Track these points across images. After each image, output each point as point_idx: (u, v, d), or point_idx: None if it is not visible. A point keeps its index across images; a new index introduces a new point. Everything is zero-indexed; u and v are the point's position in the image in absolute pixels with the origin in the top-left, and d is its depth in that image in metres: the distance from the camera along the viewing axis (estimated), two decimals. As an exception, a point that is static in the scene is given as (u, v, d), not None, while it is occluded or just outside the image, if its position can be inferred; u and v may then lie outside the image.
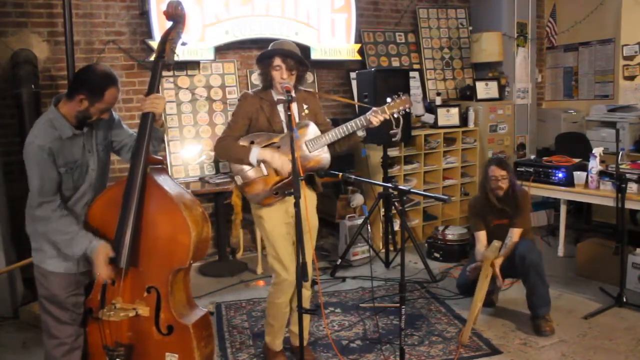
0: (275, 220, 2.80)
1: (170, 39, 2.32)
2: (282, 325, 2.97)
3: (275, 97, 2.77)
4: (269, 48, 2.76)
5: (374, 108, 2.77)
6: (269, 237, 2.82)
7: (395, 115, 2.77)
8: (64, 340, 2.28)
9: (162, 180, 2.28)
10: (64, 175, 2.21)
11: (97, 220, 2.25)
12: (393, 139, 2.81)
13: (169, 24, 2.34)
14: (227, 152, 2.77)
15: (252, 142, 2.74)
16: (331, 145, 2.80)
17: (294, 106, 2.79)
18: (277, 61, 2.68)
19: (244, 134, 2.77)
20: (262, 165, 2.75)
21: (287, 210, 2.79)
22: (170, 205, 2.20)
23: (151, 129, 2.26)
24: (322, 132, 2.77)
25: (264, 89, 2.80)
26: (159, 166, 2.36)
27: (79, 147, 2.26)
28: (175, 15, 2.31)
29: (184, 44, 2.39)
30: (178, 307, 2.25)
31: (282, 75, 2.68)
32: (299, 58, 2.72)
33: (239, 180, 2.80)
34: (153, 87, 2.30)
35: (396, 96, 2.78)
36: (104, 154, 2.38)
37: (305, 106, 2.85)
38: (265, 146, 2.72)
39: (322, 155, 2.76)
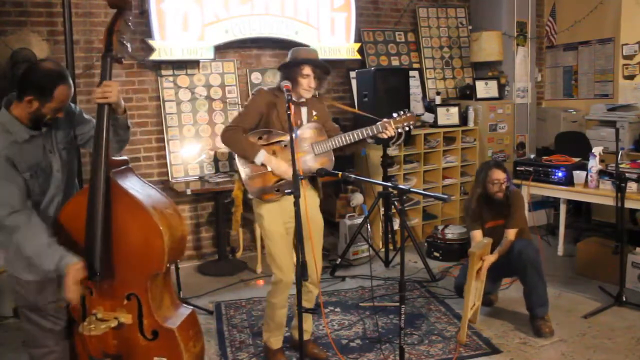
0: (274, 220, 2.85)
1: (116, 30, 2.06)
2: (279, 324, 2.99)
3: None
4: (298, 55, 2.83)
5: (385, 119, 2.86)
6: (267, 235, 2.89)
7: (399, 130, 2.89)
8: (53, 349, 2.18)
9: (127, 184, 2.15)
10: (29, 181, 2.06)
11: (67, 227, 2.14)
12: (391, 143, 2.91)
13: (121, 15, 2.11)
14: (234, 143, 2.82)
15: (260, 138, 2.82)
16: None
17: (305, 110, 2.91)
18: (308, 70, 2.78)
19: (253, 128, 2.84)
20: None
21: (286, 210, 2.82)
22: (139, 211, 2.08)
23: (109, 121, 2.07)
24: (330, 137, 2.88)
25: (280, 89, 2.82)
26: (123, 167, 2.22)
27: (39, 148, 2.10)
28: (118, 2, 2.06)
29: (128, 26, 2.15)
30: (161, 311, 2.19)
31: (310, 83, 2.79)
32: (327, 69, 2.85)
33: (243, 173, 2.85)
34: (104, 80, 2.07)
35: (402, 112, 2.88)
36: (66, 152, 2.21)
37: (314, 112, 2.94)
38: (272, 143, 2.81)
39: (328, 158, 2.87)
